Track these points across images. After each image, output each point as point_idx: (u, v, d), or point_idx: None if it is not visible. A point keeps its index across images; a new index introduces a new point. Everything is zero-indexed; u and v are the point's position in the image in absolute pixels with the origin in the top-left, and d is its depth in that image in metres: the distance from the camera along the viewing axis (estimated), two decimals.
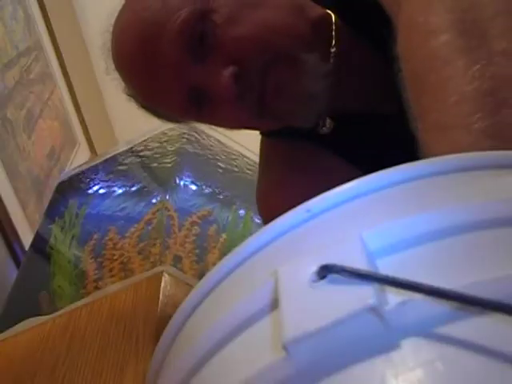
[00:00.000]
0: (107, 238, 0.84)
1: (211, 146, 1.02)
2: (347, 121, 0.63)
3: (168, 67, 0.55)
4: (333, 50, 0.58)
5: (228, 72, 0.53)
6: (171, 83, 0.56)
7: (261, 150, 0.73)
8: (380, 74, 0.56)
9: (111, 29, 0.60)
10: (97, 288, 0.75)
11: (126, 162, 1.01)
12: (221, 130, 1.09)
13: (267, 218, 0.70)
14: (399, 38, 0.42)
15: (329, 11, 0.59)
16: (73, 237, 0.88)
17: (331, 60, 0.58)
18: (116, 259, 0.79)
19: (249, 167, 1.03)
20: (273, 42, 0.54)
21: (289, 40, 0.55)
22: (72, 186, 1.04)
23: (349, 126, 0.63)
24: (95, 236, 0.85)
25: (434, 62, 0.39)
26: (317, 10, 0.59)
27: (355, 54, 0.60)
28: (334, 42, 0.58)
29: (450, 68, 0.38)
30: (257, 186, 0.72)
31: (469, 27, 0.38)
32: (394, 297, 0.21)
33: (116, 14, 0.61)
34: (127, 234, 0.82)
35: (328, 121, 0.62)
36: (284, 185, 0.67)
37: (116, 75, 0.61)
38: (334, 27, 0.58)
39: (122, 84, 0.62)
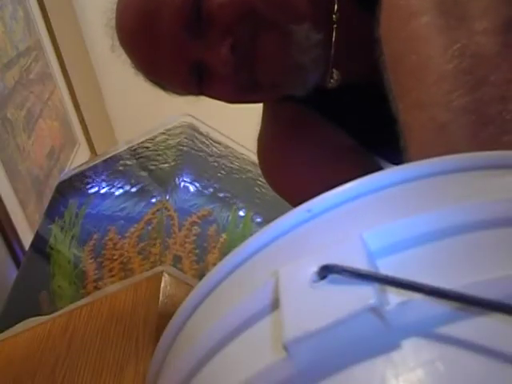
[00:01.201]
0: (107, 238, 0.84)
1: (211, 146, 1.02)
2: (349, 90, 0.63)
3: (169, 43, 0.57)
4: (334, 16, 0.58)
5: (225, 45, 0.55)
6: (172, 58, 0.58)
7: (264, 105, 0.74)
8: None
9: (115, 7, 0.62)
10: (97, 288, 0.75)
11: (126, 162, 1.01)
12: (220, 129, 1.09)
13: (267, 173, 0.73)
14: (381, 21, 0.43)
15: None
16: (73, 237, 0.88)
17: (334, 26, 0.58)
18: (116, 259, 0.79)
19: (249, 167, 1.03)
20: (258, 7, 0.55)
21: (276, 7, 0.56)
22: (72, 186, 1.04)
23: (350, 95, 0.64)
24: (95, 236, 0.85)
25: (415, 42, 0.39)
26: None
27: (357, 24, 0.59)
28: (336, 8, 0.58)
29: (430, 48, 0.38)
30: (258, 139, 0.73)
31: (450, 8, 0.38)
32: (394, 297, 0.21)
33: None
34: (127, 234, 0.82)
35: (335, 72, 0.61)
36: (284, 145, 0.69)
37: (121, 51, 0.63)
38: None
39: (128, 61, 0.64)
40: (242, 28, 0.55)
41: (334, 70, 0.61)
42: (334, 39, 0.58)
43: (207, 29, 0.56)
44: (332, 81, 0.62)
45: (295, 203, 0.28)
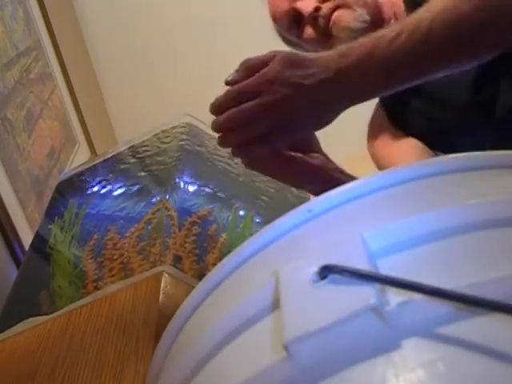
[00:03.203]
0: (107, 238, 0.84)
1: (211, 146, 1.02)
2: None
3: None
4: None
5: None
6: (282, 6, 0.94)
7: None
8: None
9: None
10: (97, 288, 0.75)
11: (125, 162, 1.01)
12: None
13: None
14: None
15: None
16: (72, 237, 0.88)
17: None
18: (116, 259, 0.79)
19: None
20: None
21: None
22: (72, 186, 1.04)
23: None
24: (95, 236, 0.85)
25: None
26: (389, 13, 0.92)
27: None
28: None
29: None
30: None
31: None
32: (394, 297, 0.21)
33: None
34: (127, 234, 0.82)
35: None
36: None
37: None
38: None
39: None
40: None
41: None
42: None
43: None
44: None
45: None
